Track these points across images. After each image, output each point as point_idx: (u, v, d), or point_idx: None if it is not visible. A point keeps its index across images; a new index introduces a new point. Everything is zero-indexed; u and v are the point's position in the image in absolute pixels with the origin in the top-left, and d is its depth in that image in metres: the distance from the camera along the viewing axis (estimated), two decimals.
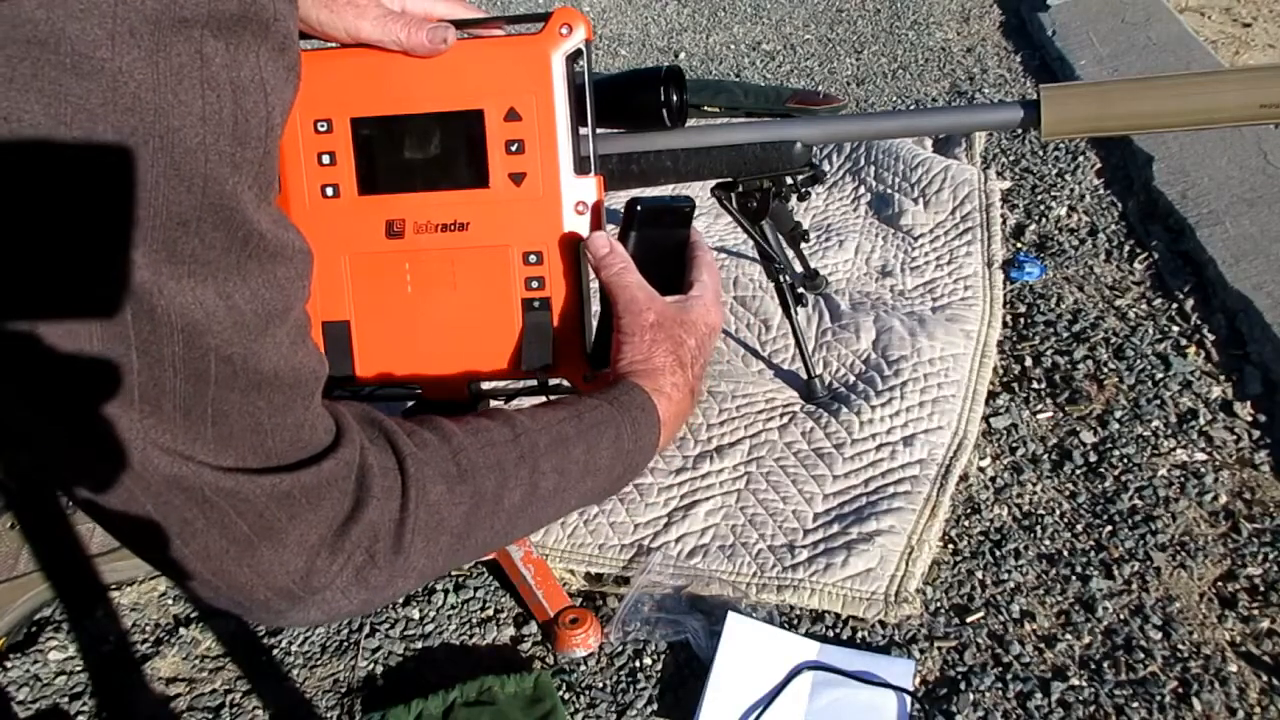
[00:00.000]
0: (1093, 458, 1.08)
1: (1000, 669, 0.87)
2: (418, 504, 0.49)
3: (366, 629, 0.96)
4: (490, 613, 0.97)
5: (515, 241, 0.79)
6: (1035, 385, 1.19)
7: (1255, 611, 0.90)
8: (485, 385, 0.88)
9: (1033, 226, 1.49)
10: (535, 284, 0.79)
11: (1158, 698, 0.84)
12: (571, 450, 0.60)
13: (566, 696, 0.88)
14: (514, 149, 0.77)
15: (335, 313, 0.82)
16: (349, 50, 0.77)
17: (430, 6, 0.77)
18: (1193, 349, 1.21)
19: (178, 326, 0.39)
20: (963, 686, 0.86)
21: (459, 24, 0.77)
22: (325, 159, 0.78)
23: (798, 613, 0.94)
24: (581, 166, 0.78)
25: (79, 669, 0.95)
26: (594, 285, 0.82)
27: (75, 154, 0.35)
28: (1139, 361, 1.20)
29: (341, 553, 0.46)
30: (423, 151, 0.78)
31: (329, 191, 0.79)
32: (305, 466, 0.45)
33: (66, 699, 0.92)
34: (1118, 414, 1.13)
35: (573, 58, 0.76)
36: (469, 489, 0.53)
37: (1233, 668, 0.85)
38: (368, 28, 0.74)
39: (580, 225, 0.79)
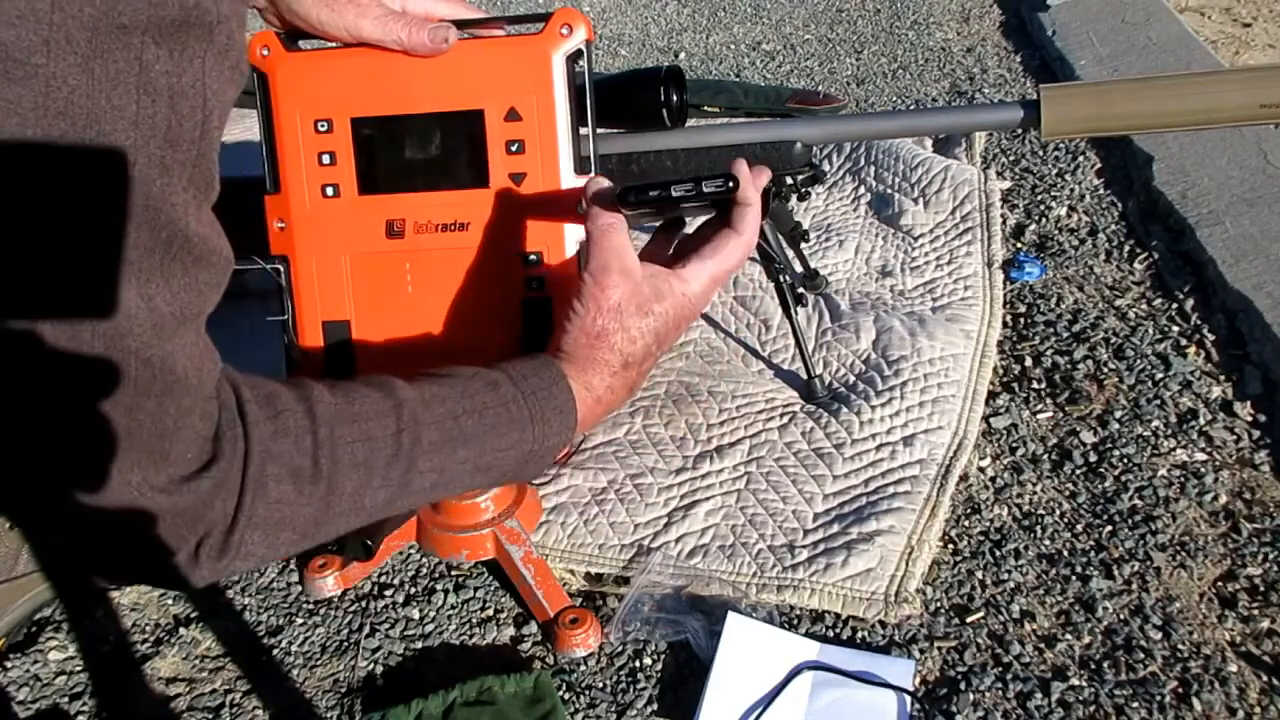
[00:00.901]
0: (1093, 458, 1.08)
1: (1000, 669, 0.87)
2: (255, 502, 0.48)
3: (366, 629, 0.96)
4: (490, 613, 0.97)
5: (516, 241, 0.79)
6: (1035, 385, 1.19)
7: (1255, 611, 0.90)
8: None
9: (1033, 226, 1.49)
10: (535, 284, 0.79)
11: (1158, 698, 0.84)
12: (459, 451, 0.57)
13: (566, 696, 0.88)
14: (514, 149, 0.77)
15: (335, 312, 0.82)
16: (349, 50, 0.77)
17: (431, 6, 0.77)
18: (1193, 349, 1.21)
19: (99, 330, 0.40)
20: (963, 686, 0.86)
21: (459, 24, 0.77)
22: (325, 159, 0.79)
23: (798, 613, 0.94)
24: (582, 166, 0.78)
25: (79, 669, 0.95)
26: None
27: (3, 157, 0.36)
28: (1139, 361, 1.20)
29: (184, 545, 0.46)
30: (423, 151, 0.78)
31: (329, 191, 0.79)
32: (191, 481, 0.45)
33: (66, 699, 0.92)
34: (1118, 414, 1.13)
35: (573, 58, 0.76)
36: (322, 489, 0.51)
37: (1233, 668, 0.85)
38: (369, 27, 0.74)
39: (581, 226, 0.79)
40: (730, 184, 0.63)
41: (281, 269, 0.82)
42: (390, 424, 0.54)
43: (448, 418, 0.56)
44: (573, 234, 0.79)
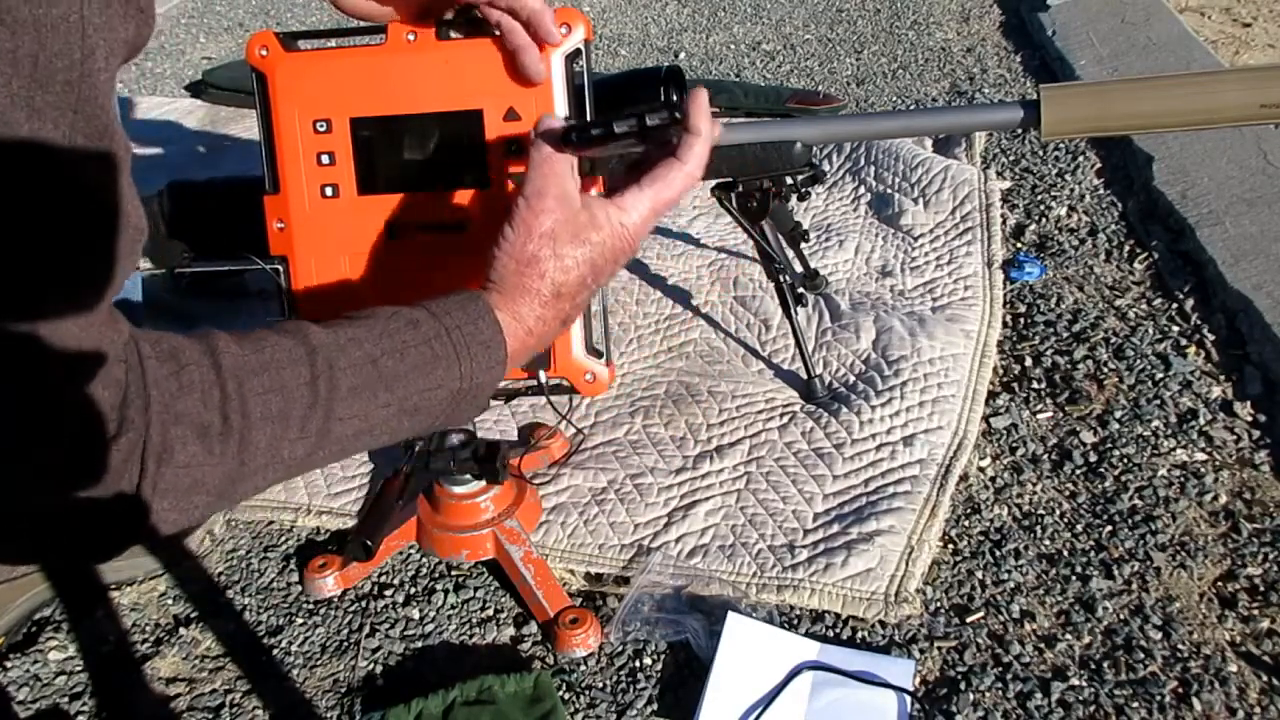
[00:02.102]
0: (1093, 458, 1.08)
1: (1000, 669, 0.87)
2: (161, 469, 0.44)
3: (367, 629, 0.96)
4: (490, 613, 0.97)
5: None
6: (1035, 385, 1.19)
7: (1255, 611, 0.90)
8: None
9: (1033, 226, 1.49)
10: None
11: (1158, 698, 0.83)
12: (381, 395, 0.53)
13: (566, 696, 0.88)
14: (514, 149, 0.77)
15: (335, 314, 0.82)
16: (348, 50, 0.77)
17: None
18: (1193, 349, 1.21)
19: None
20: (963, 686, 0.86)
21: (457, 25, 0.77)
22: (325, 159, 0.79)
23: (798, 613, 0.94)
24: (582, 167, 0.78)
25: (79, 669, 0.95)
26: None
27: None
28: (1139, 361, 1.20)
29: (94, 520, 0.44)
30: (422, 152, 0.78)
31: (329, 191, 0.79)
32: (99, 454, 0.42)
33: (66, 699, 0.92)
34: (1118, 414, 1.13)
35: (572, 57, 0.76)
36: (234, 446, 0.47)
37: (1233, 668, 0.85)
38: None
39: None
40: (674, 114, 0.59)
41: (281, 269, 0.82)
42: (304, 371, 0.50)
43: (366, 361, 0.53)
44: None
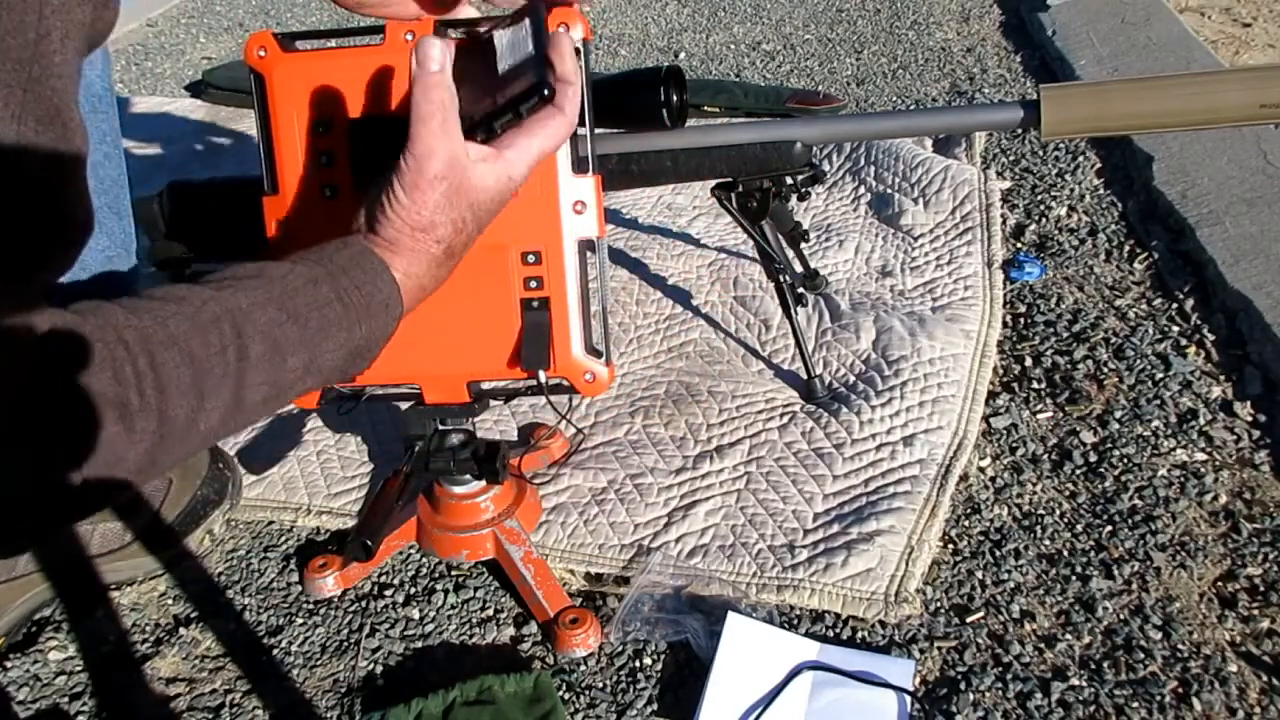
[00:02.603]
0: (1093, 458, 1.08)
1: (1000, 669, 0.87)
2: (78, 447, 0.44)
3: (367, 629, 0.96)
4: (490, 613, 0.97)
5: (513, 241, 0.79)
6: (1035, 385, 1.19)
7: (1255, 611, 0.90)
8: (484, 385, 0.88)
9: (1033, 226, 1.49)
10: (534, 284, 0.79)
11: (1158, 698, 0.84)
12: (289, 360, 0.54)
13: (566, 696, 0.88)
14: None
15: None
16: (347, 51, 0.77)
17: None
18: (1193, 349, 1.21)
19: None
20: (963, 686, 0.86)
21: (454, 24, 0.77)
22: (324, 160, 0.79)
23: (798, 613, 0.94)
24: (579, 166, 0.78)
25: (79, 669, 0.95)
26: (594, 285, 0.82)
27: None
28: (1139, 361, 1.20)
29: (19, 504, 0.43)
30: None
31: (328, 192, 0.79)
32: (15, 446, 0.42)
33: (66, 699, 0.92)
34: (1118, 414, 1.13)
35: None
36: (151, 422, 0.46)
37: (1233, 668, 0.85)
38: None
39: (579, 225, 0.78)
40: (544, 94, 0.60)
41: None
42: (214, 341, 0.50)
43: (272, 326, 0.53)
44: (571, 233, 0.78)
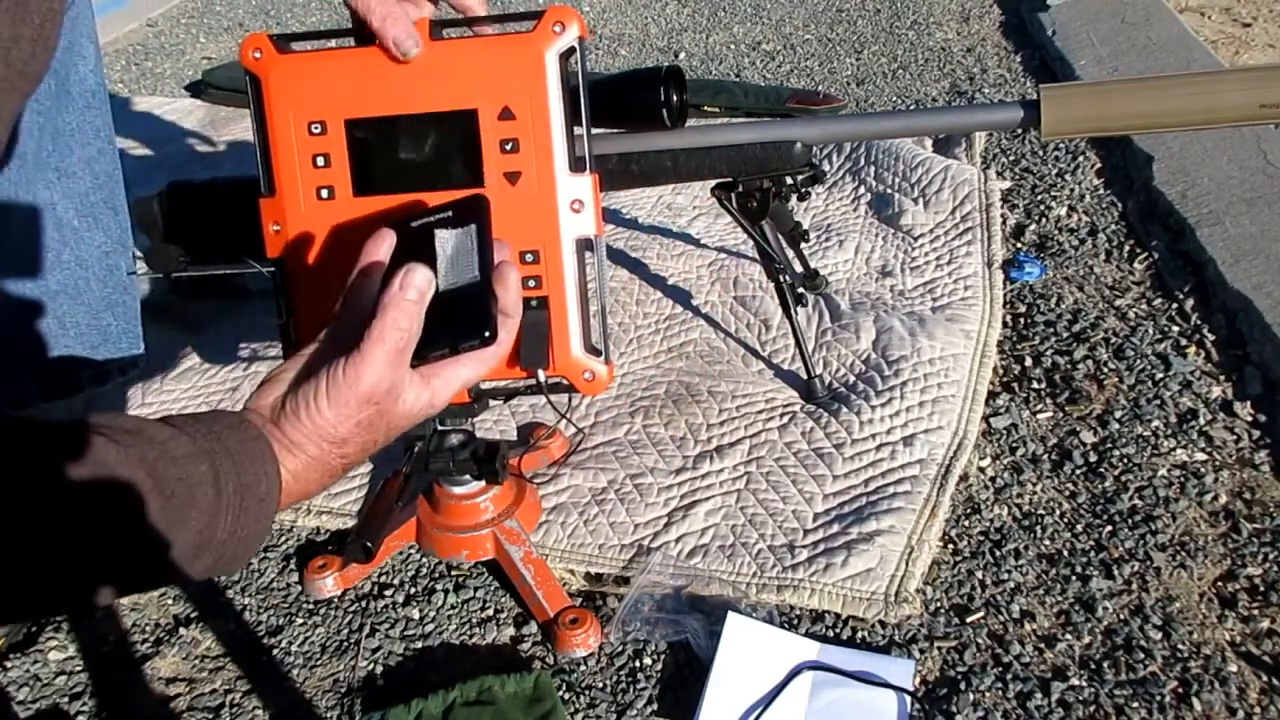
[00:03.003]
0: (1093, 458, 1.08)
1: (1000, 669, 0.87)
2: None
3: (367, 629, 0.96)
4: (490, 613, 0.97)
5: (512, 240, 0.78)
6: (1035, 385, 1.19)
7: (1255, 611, 0.90)
8: (484, 385, 0.88)
9: (1033, 226, 1.49)
10: (532, 283, 0.78)
11: (1158, 698, 0.84)
12: (139, 531, 0.47)
13: (566, 696, 0.88)
14: (508, 148, 0.76)
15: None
16: (343, 51, 0.77)
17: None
18: (1193, 349, 1.21)
19: None
20: (963, 686, 0.86)
21: (450, 24, 0.77)
22: (320, 161, 0.78)
23: (798, 613, 0.94)
24: (577, 165, 0.77)
25: (79, 669, 0.95)
26: (592, 284, 0.82)
27: None
28: (1139, 361, 1.20)
29: None
30: (417, 152, 0.78)
31: (324, 194, 0.79)
32: None
33: (66, 699, 0.92)
34: (1118, 414, 1.13)
35: (566, 55, 0.76)
36: None
37: (1233, 668, 0.85)
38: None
39: (577, 223, 0.78)
40: (485, 337, 0.57)
41: (278, 272, 0.81)
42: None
43: (129, 490, 0.47)
44: (569, 232, 0.78)
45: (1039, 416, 1.14)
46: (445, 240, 0.61)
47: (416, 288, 0.56)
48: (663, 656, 0.91)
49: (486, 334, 0.57)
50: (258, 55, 0.78)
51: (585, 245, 0.79)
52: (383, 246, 0.60)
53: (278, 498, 0.53)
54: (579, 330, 0.81)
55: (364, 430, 0.55)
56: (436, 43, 0.76)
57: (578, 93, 0.77)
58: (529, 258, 0.78)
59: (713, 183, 1.06)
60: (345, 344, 0.55)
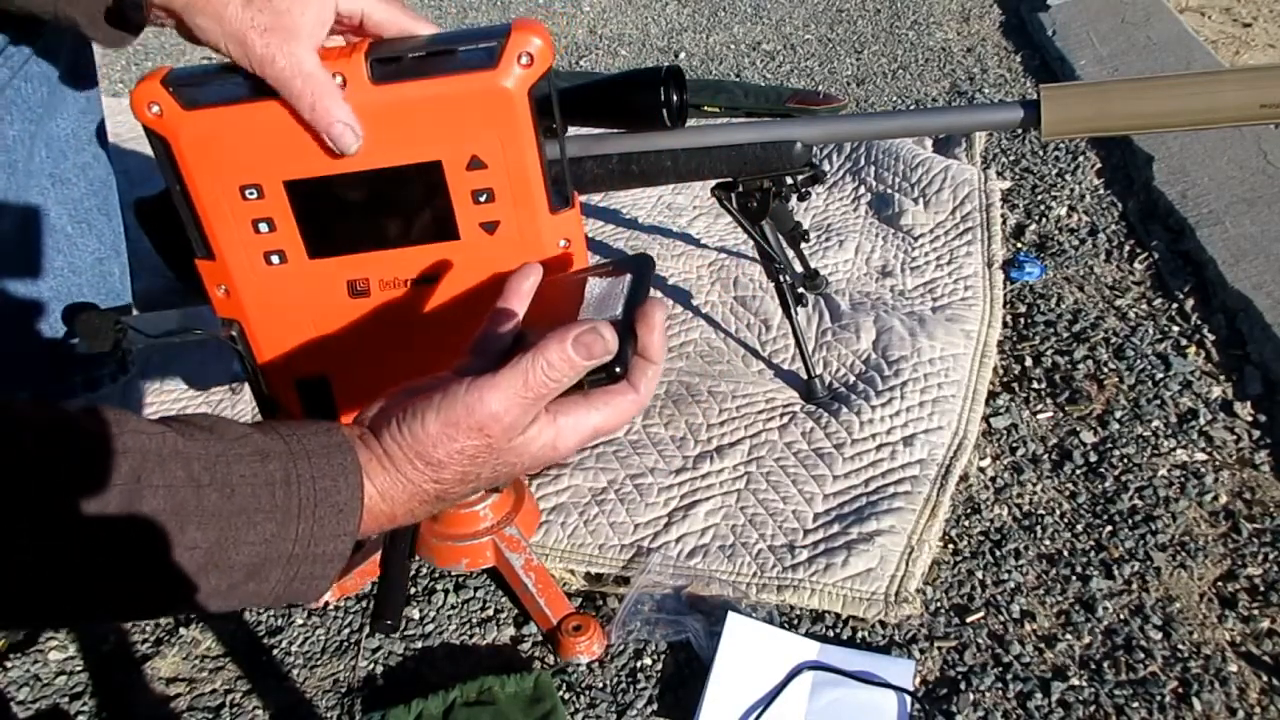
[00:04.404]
0: (1093, 458, 1.08)
1: (1000, 669, 0.87)
2: None
3: (367, 629, 0.96)
4: (490, 613, 0.97)
5: (495, 287, 0.68)
6: (1035, 385, 1.19)
7: (1255, 611, 0.90)
8: None
9: (1033, 226, 1.49)
10: None
11: (1158, 698, 0.84)
12: (189, 531, 0.43)
13: (566, 696, 0.88)
14: (482, 199, 0.68)
15: (309, 367, 0.75)
16: (263, 103, 0.64)
17: (386, 17, 0.66)
18: (1193, 349, 1.21)
19: None
20: (963, 686, 0.86)
21: (392, 60, 0.65)
22: (263, 226, 0.69)
23: (798, 613, 0.94)
24: (559, 202, 0.70)
25: (79, 669, 0.95)
26: None
27: None
28: (1139, 361, 1.20)
29: None
30: (378, 209, 0.69)
31: (274, 259, 0.70)
32: None
33: (66, 699, 0.92)
34: (1118, 414, 1.13)
35: (535, 87, 0.65)
36: None
37: (1233, 668, 0.85)
38: (283, 63, 0.60)
39: (565, 260, 0.71)
40: (617, 371, 0.51)
41: (235, 334, 0.74)
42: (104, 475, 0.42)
43: (187, 483, 0.43)
44: (559, 270, 0.70)
45: (1039, 416, 1.14)
46: (595, 285, 0.57)
47: (589, 349, 0.48)
48: (663, 656, 0.91)
49: (617, 369, 0.50)
50: (156, 111, 0.65)
51: None
52: (525, 285, 0.55)
53: (359, 511, 0.47)
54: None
55: (467, 461, 0.49)
56: (381, 86, 0.64)
57: (548, 106, 0.67)
58: None
59: (713, 183, 1.06)
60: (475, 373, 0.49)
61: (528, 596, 0.94)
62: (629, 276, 0.56)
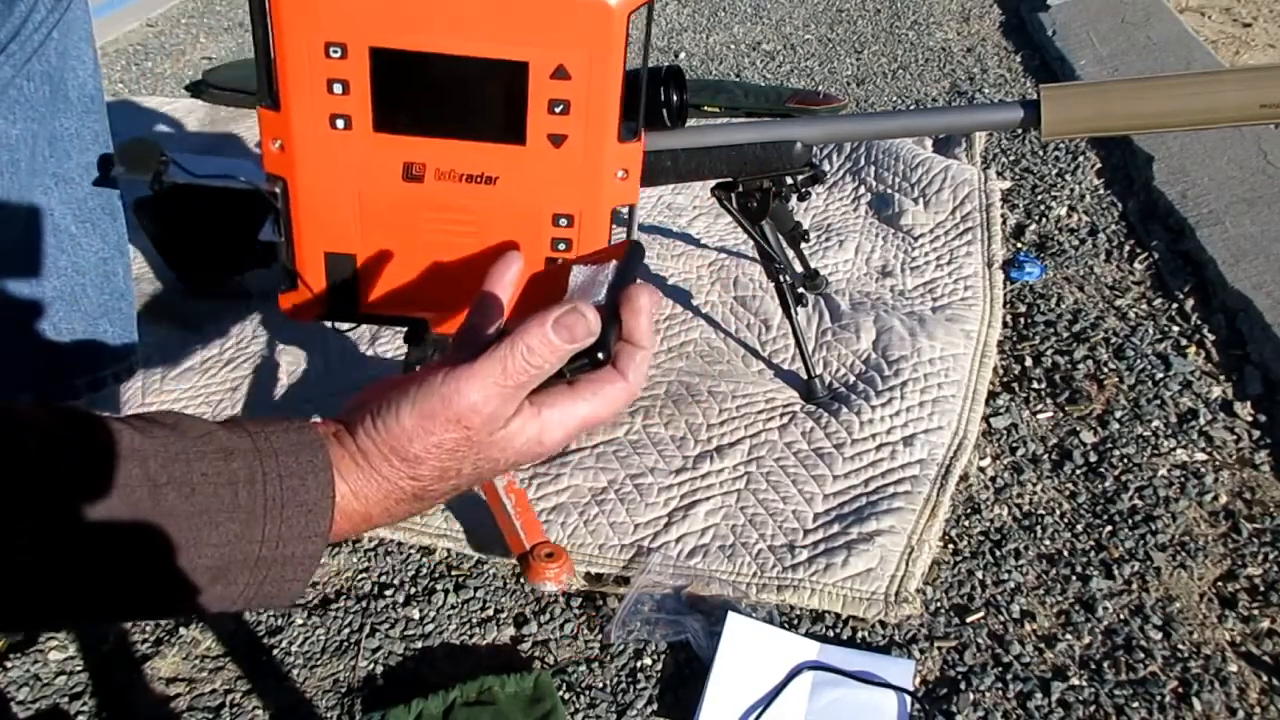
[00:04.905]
0: (1093, 458, 1.08)
1: (1000, 669, 0.87)
2: None
3: (367, 629, 0.96)
4: (490, 613, 0.97)
5: (547, 202, 0.73)
6: (1035, 385, 1.19)
7: (1255, 611, 0.90)
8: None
9: (1033, 226, 1.49)
10: (561, 245, 0.75)
11: (1158, 698, 0.84)
12: (146, 535, 0.41)
13: (566, 696, 0.88)
14: (558, 109, 0.69)
15: (340, 244, 0.76)
16: None
17: None
18: (1193, 349, 1.21)
19: None
20: (963, 686, 0.86)
21: None
22: (337, 88, 0.69)
23: (798, 613, 0.94)
24: (627, 132, 0.72)
25: (79, 669, 0.95)
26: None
27: None
28: (1139, 361, 1.20)
29: None
30: (453, 96, 0.69)
31: (339, 123, 0.70)
32: None
33: (66, 699, 0.92)
34: (1118, 414, 1.13)
35: (633, 16, 0.67)
36: None
37: (1233, 668, 0.85)
38: None
39: (619, 191, 0.73)
40: (600, 357, 0.48)
41: (279, 191, 0.73)
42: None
43: (143, 483, 0.40)
44: (609, 200, 0.74)
45: (1039, 416, 1.14)
46: (579, 273, 0.56)
47: (570, 331, 0.45)
48: (663, 656, 0.91)
49: (600, 355, 0.48)
50: None
51: (619, 213, 0.76)
52: (508, 274, 0.53)
53: (330, 511, 0.44)
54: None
55: (445, 455, 0.46)
56: None
57: (645, 56, 0.70)
58: (562, 221, 0.74)
59: (713, 183, 1.06)
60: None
61: (504, 518, 0.92)
62: (614, 262, 0.55)
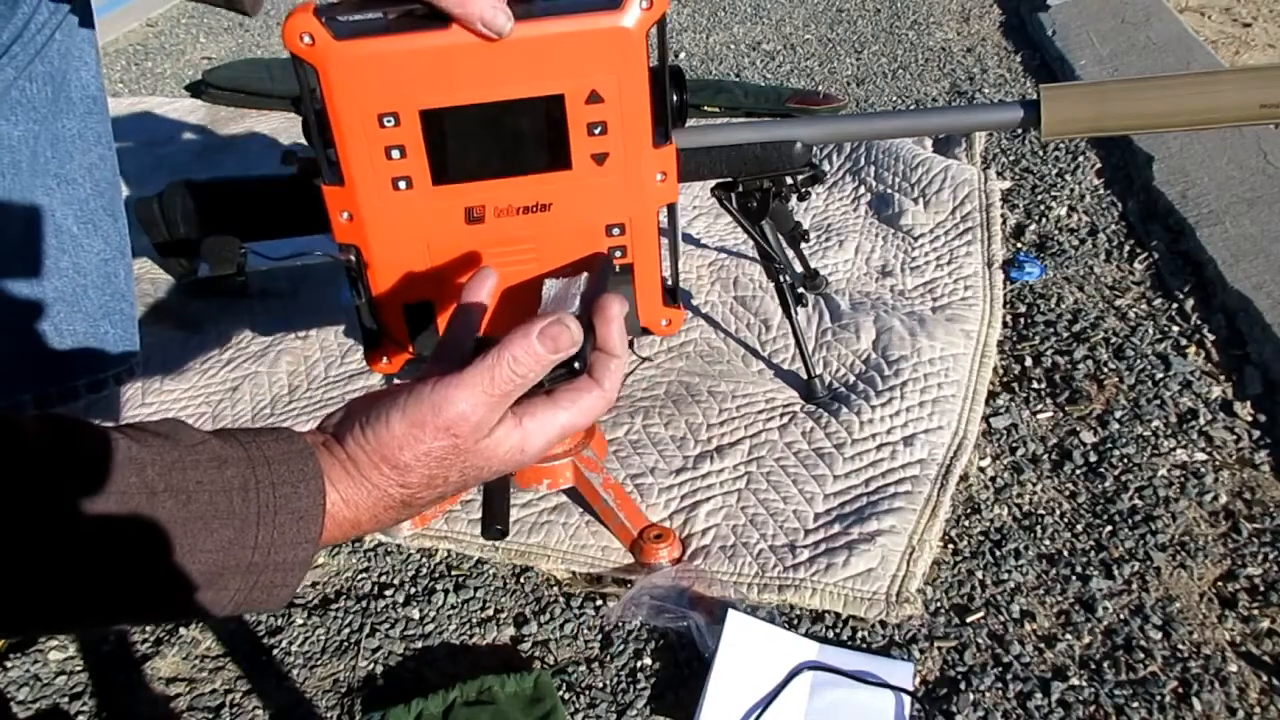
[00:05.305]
0: (1093, 458, 1.08)
1: (1000, 669, 0.87)
2: None
3: (367, 629, 0.96)
4: (490, 613, 0.97)
5: (599, 216, 0.79)
6: (1035, 385, 1.19)
7: (1255, 611, 0.90)
8: None
9: (1033, 226, 1.49)
10: (619, 252, 0.80)
11: (1158, 698, 0.84)
12: (144, 541, 0.42)
13: (566, 696, 0.88)
14: (597, 131, 0.75)
15: (418, 293, 0.82)
16: (408, 35, 0.70)
17: None
18: (1193, 349, 1.21)
19: None
20: (963, 686, 0.86)
21: (530, 13, 0.71)
22: (395, 154, 0.74)
23: (798, 613, 0.94)
24: (660, 137, 0.77)
25: (79, 669, 0.95)
26: (667, 242, 0.85)
27: None
28: (1139, 361, 1.20)
29: None
30: (499, 138, 0.75)
31: (401, 185, 0.76)
32: None
33: (66, 699, 0.92)
34: (1118, 414, 1.13)
35: (652, 30, 0.73)
36: None
37: (1233, 668, 0.85)
38: None
39: (661, 192, 0.79)
40: (576, 366, 0.51)
41: (354, 258, 0.79)
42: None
43: (141, 490, 0.41)
44: (654, 202, 0.79)
45: (1039, 416, 1.14)
46: (551, 286, 0.58)
47: (555, 342, 0.47)
48: (663, 657, 0.91)
49: (576, 365, 0.50)
50: (308, 41, 0.70)
51: (664, 210, 0.82)
52: (484, 288, 0.57)
53: (320, 518, 0.46)
54: (659, 289, 0.84)
55: (434, 463, 0.48)
56: (515, 23, 0.70)
57: (662, 76, 0.75)
58: (615, 230, 0.79)
59: (713, 183, 1.06)
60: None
61: (608, 511, 0.99)
62: (584, 275, 0.58)
